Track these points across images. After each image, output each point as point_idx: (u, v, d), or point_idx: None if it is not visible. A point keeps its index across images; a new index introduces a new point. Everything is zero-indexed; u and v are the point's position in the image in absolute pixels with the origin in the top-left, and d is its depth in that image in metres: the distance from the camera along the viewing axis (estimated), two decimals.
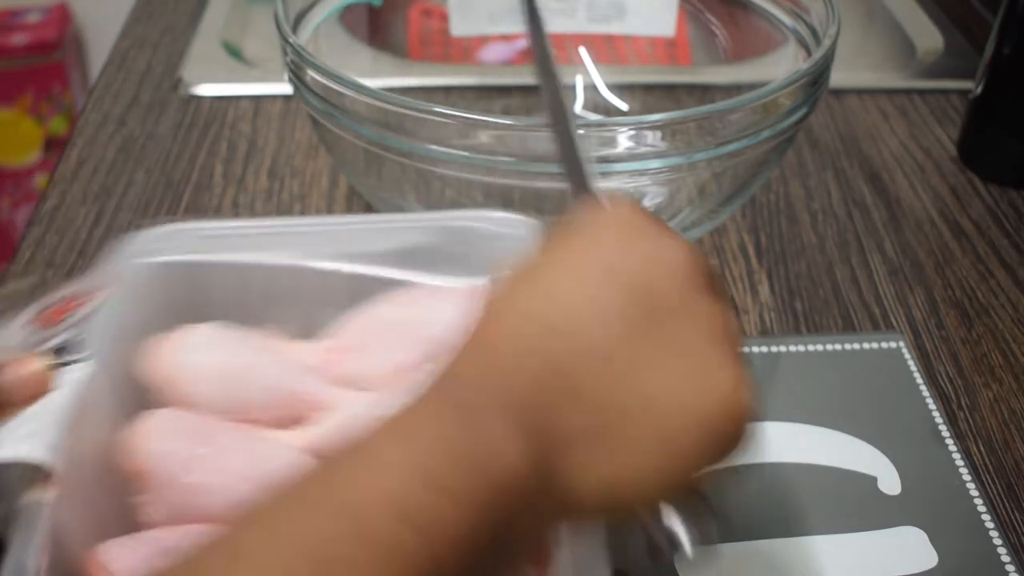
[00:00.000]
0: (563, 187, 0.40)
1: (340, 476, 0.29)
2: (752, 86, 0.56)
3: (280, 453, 0.41)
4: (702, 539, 0.33)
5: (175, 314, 0.47)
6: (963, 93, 0.84)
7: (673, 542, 0.33)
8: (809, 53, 0.63)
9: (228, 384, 0.44)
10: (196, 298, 0.48)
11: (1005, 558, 0.49)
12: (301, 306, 0.50)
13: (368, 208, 0.68)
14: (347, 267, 0.48)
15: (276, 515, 0.28)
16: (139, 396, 0.45)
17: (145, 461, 0.40)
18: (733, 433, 0.32)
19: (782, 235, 0.70)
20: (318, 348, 0.47)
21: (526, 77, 0.83)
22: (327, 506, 0.28)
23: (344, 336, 0.47)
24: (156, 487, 0.40)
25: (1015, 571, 0.48)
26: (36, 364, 0.36)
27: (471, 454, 0.29)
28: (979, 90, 0.75)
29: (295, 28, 0.63)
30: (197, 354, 0.45)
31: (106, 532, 0.40)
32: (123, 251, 0.47)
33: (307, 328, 0.50)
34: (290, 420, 0.45)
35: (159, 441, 0.41)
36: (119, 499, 0.42)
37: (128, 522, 0.41)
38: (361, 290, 0.48)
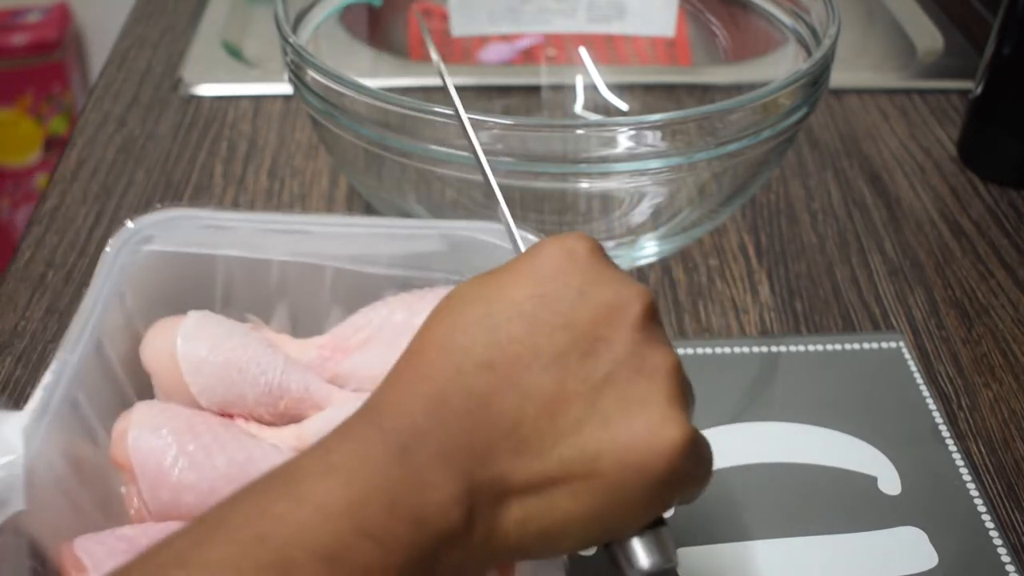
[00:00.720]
0: (563, 187, 0.40)
1: (269, 511, 0.27)
2: (752, 86, 0.56)
3: (268, 455, 0.41)
4: (661, 558, 0.32)
5: (173, 302, 0.47)
6: (963, 93, 0.84)
7: (631, 562, 0.32)
8: (809, 53, 0.63)
9: (223, 377, 0.44)
10: (195, 288, 0.48)
11: (1005, 558, 0.49)
12: (300, 303, 0.50)
13: (368, 208, 0.68)
14: (349, 267, 0.48)
15: (195, 547, 0.27)
16: (135, 383, 0.45)
17: (132, 455, 0.40)
18: (675, 481, 0.31)
19: (782, 235, 0.70)
20: (315, 345, 0.47)
21: (526, 77, 0.83)
22: (250, 542, 0.27)
23: (343, 335, 0.47)
24: (142, 482, 0.40)
25: (1015, 571, 0.48)
26: None
27: (407, 503, 0.28)
28: (979, 90, 0.75)
29: (295, 28, 0.63)
30: (194, 344, 0.44)
31: (89, 524, 0.40)
32: (124, 237, 0.47)
33: (304, 325, 0.50)
34: (283, 417, 0.45)
35: (147, 435, 0.40)
36: (105, 490, 0.42)
37: (115, 514, 0.41)
38: (362, 292, 0.48)
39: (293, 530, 0.27)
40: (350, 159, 0.61)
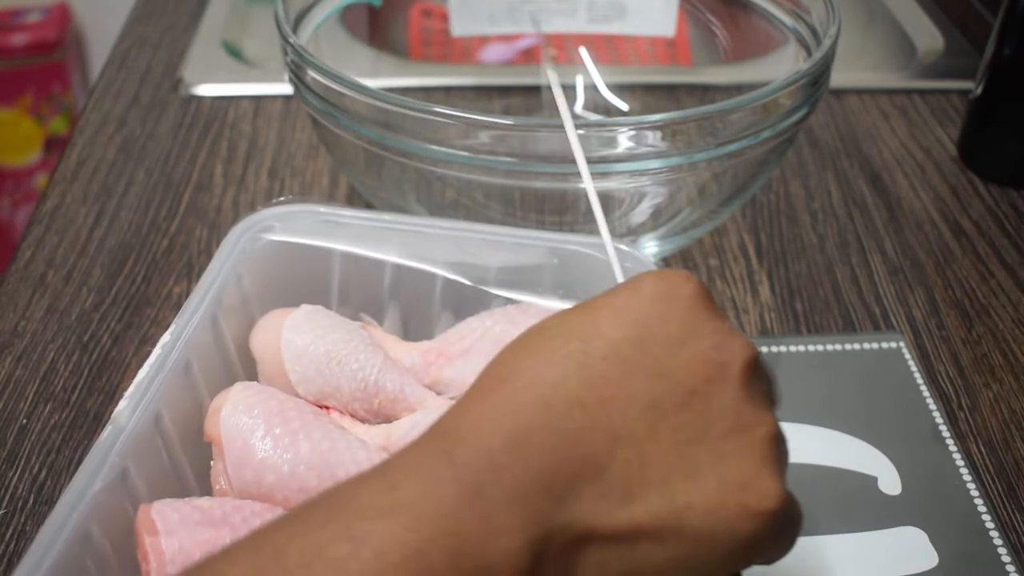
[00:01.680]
0: (563, 187, 0.40)
1: (326, 552, 0.26)
2: (752, 86, 0.56)
3: (353, 448, 0.42)
4: None
5: (290, 291, 0.49)
6: (963, 93, 0.84)
7: None
8: (809, 53, 0.63)
9: (322, 368, 0.45)
10: (311, 280, 0.50)
11: (1005, 558, 0.49)
12: (412, 306, 0.51)
13: (368, 208, 0.68)
14: (457, 278, 0.49)
15: None
16: (244, 365, 0.48)
17: (222, 430, 0.42)
18: (761, 542, 0.31)
19: (782, 235, 0.70)
20: (420, 349, 0.48)
21: (526, 77, 0.83)
22: None
23: (447, 342, 0.48)
24: (228, 457, 0.41)
25: (1015, 571, 0.48)
26: None
27: (473, 551, 0.27)
28: (979, 90, 0.75)
29: (295, 28, 0.63)
30: (298, 334, 0.46)
31: (185, 490, 0.43)
32: (247, 224, 0.49)
33: (415, 329, 0.51)
34: (377, 415, 0.46)
35: (239, 413, 0.42)
36: (204, 460, 0.44)
37: (208, 485, 0.43)
38: (471, 300, 0.49)
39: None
40: (350, 159, 0.61)
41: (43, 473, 0.51)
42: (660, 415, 0.30)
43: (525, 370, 0.30)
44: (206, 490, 0.43)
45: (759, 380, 0.32)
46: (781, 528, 0.31)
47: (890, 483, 0.52)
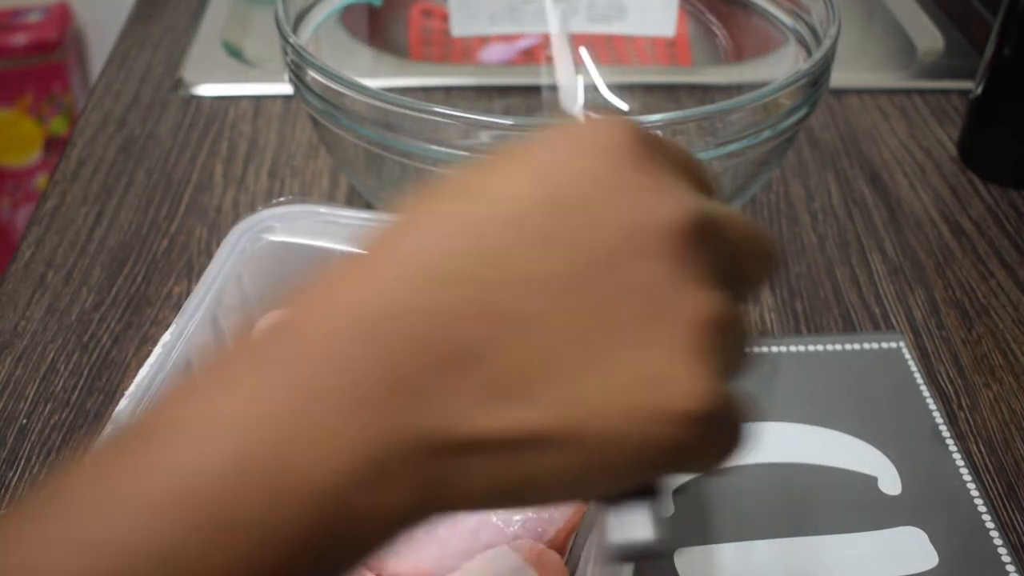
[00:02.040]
0: None
1: (122, 487, 0.21)
2: (752, 86, 0.56)
3: None
4: (652, 543, 0.25)
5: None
6: (963, 93, 0.84)
7: (616, 546, 0.25)
8: (809, 53, 0.63)
9: None
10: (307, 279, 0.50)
11: (1005, 558, 0.49)
12: None
13: (368, 208, 0.68)
14: None
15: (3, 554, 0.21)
16: None
17: None
18: (684, 449, 0.24)
19: (782, 235, 0.70)
20: None
21: (526, 77, 0.83)
22: (64, 547, 0.20)
23: None
24: None
25: (1015, 571, 0.48)
26: None
27: (303, 480, 0.21)
28: (979, 90, 0.75)
29: (295, 28, 0.63)
30: None
31: None
32: (246, 227, 0.50)
33: None
34: None
35: None
36: None
37: None
38: None
39: (113, 532, 0.21)
40: (350, 159, 0.61)
41: (43, 473, 0.51)
42: (559, 294, 0.23)
43: (403, 236, 0.24)
44: None
45: (699, 250, 0.25)
46: (710, 433, 0.24)
47: (890, 483, 0.52)
